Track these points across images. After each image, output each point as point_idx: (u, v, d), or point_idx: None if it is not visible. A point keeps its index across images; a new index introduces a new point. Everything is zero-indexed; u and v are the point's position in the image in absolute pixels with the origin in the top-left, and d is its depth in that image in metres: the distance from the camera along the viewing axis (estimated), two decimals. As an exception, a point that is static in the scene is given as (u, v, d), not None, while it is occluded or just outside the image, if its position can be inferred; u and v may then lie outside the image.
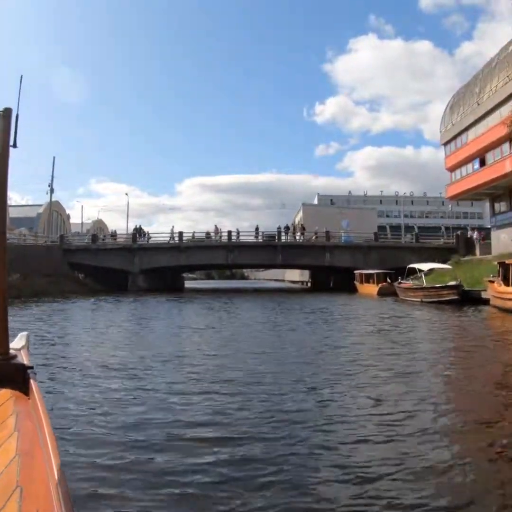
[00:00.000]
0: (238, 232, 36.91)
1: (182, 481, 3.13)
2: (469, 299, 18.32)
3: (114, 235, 39.83)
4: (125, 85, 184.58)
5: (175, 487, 3.05)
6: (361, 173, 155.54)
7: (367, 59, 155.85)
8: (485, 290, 18.10)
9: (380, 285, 26.76)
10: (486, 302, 17.55)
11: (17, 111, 2.02)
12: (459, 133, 30.74)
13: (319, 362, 7.44)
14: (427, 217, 77.74)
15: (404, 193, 72.11)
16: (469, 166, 30.10)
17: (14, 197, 74.11)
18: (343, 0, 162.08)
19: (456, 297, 18.08)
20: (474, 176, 29.36)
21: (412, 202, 76.19)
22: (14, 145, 2.00)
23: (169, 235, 36.64)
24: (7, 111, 1.98)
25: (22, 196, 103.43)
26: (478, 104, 27.88)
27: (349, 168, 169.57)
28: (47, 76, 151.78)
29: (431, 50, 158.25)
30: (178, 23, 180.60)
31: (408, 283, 23.53)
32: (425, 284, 20.98)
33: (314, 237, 36.70)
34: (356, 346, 9.12)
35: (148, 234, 37.76)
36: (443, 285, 19.21)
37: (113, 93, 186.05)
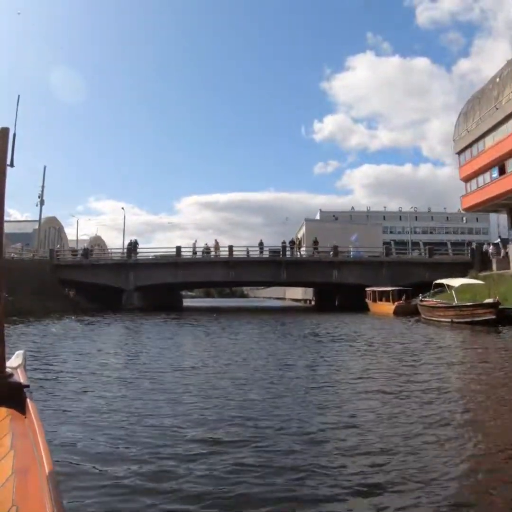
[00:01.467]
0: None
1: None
2: (505, 318, 16.23)
3: (91, 250, 37.30)
4: (124, 94, 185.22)
5: None
6: (360, 190, 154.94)
7: (365, 77, 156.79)
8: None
9: (396, 303, 24.58)
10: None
11: (15, 130, 2.09)
12: (475, 141, 29.01)
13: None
14: (431, 233, 76.37)
15: (411, 208, 70.55)
16: (487, 175, 28.31)
17: (13, 214, 72.67)
18: (341, 18, 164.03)
19: (493, 316, 15.88)
20: (492, 186, 27.55)
21: (416, 217, 74.61)
22: (11, 164, 1.91)
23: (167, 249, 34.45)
24: (4, 131, 1.90)
25: (22, 212, 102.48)
26: (497, 109, 26.20)
27: (348, 185, 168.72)
28: (46, 86, 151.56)
29: (429, 67, 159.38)
30: (173, 47, 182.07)
31: (432, 300, 21.29)
32: (456, 302, 18.76)
33: (331, 253, 33.64)
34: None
35: (137, 250, 34.16)
36: (478, 303, 16.94)
37: (112, 101, 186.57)
